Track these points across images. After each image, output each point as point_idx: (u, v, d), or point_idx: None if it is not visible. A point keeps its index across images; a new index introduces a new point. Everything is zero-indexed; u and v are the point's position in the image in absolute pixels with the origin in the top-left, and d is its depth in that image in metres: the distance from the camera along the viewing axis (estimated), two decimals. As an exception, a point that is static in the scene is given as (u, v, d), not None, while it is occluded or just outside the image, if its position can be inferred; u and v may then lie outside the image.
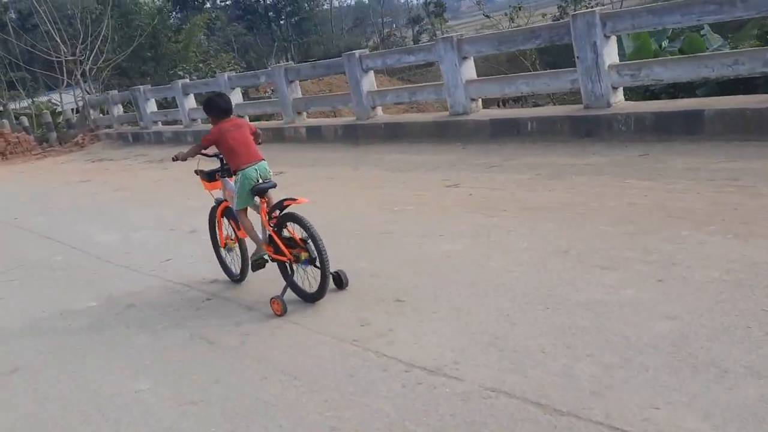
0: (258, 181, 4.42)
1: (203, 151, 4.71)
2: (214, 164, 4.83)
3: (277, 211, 4.40)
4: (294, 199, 4.33)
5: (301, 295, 4.38)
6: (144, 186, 10.74)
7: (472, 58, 9.13)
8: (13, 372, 4.23)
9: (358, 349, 3.59)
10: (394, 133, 9.91)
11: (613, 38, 7.56)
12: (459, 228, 5.34)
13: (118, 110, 18.41)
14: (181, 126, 15.63)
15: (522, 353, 3.22)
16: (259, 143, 4.66)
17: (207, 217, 5.30)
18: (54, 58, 20.38)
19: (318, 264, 4.23)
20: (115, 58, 22.84)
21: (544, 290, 3.87)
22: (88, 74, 20.62)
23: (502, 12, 30.45)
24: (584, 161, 6.67)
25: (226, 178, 4.75)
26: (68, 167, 15.41)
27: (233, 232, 4.96)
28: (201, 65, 43.19)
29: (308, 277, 4.34)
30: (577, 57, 7.63)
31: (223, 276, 5.21)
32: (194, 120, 15.22)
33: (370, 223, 5.96)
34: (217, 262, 5.27)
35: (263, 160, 4.51)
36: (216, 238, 5.23)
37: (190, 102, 15.25)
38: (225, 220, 5.04)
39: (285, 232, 4.41)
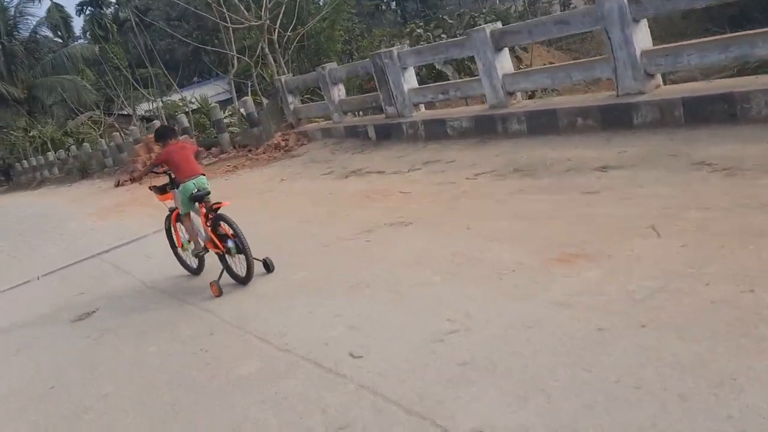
0: (195, 191, 5.51)
1: (154, 170, 5.95)
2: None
3: (211, 213, 5.46)
4: (220, 203, 5.50)
5: (235, 278, 5.49)
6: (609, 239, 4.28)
7: None
8: None
9: None
10: None
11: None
12: None
13: (340, 92, 12.29)
14: (485, 106, 9.18)
15: None
16: (197, 157, 5.82)
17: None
18: (238, 25, 14.55)
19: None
20: (307, 25, 16.76)
21: None
22: (278, 45, 14.68)
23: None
24: None
25: (176, 190, 5.73)
26: (307, 187, 9.37)
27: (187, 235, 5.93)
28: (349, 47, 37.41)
29: (240, 265, 5.35)
30: None
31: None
32: (511, 94, 8.75)
33: None
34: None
35: (203, 174, 5.66)
36: (173, 240, 6.32)
37: (505, 62, 8.75)
38: (179, 225, 5.99)
39: (220, 229, 5.40)
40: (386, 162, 9.32)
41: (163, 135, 5.95)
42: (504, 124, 8.51)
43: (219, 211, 5.46)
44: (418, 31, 11.63)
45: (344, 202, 7.70)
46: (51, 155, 28.66)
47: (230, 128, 18.51)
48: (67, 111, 39.46)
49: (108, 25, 40.58)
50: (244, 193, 10.07)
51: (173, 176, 5.76)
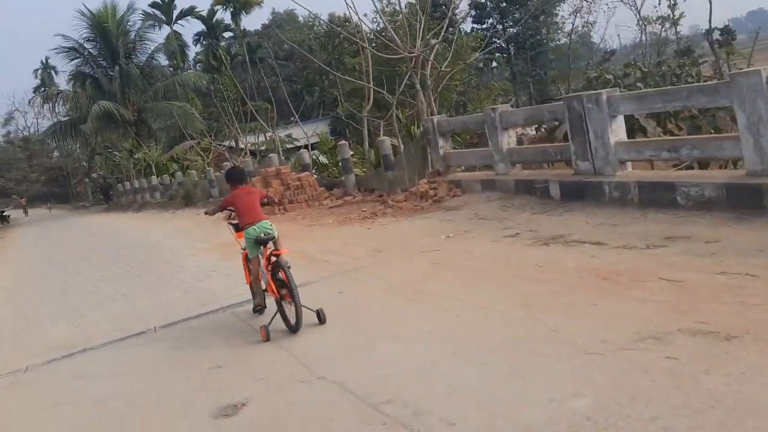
0: (260, 235, 5.69)
1: (226, 209, 6.25)
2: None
3: (273, 258, 5.62)
4: (279, 250, 5.63)
5: (287, 325, 5.50)
6: None
7: None
8: None
9: None
10: None
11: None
12: None
13: (510, 140, 10.41)
14: (740, 172, 7.05)
15: None
16: (266, 204, 6.24)
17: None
18: (398, 55, 13.07)
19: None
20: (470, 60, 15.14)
21: None
22: (430, 81, 13.05)
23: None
24: None
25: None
26: (492, 251, 7.36)
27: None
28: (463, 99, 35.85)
29: (293, 313, 5.39)
30: None
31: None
32: (784, 160, 6.58)
33: None
34: None
35: (265, 219, 5.82)
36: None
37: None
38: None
39: (279, 275, 5.50)
40: (596, 230, 7.25)
41: (233, 178, 6.18)
42: (779, 198, 6.32)
43: (279, 258, 5.56)
44: (608, 77, 9.89)
45: (570, 283, 5.65)
46: (154, 179, 28.09)
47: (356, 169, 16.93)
48: (171, 136, 39.47)
49: (222, 56, 40.69)
50: (404, 251, 8.19)
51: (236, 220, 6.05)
